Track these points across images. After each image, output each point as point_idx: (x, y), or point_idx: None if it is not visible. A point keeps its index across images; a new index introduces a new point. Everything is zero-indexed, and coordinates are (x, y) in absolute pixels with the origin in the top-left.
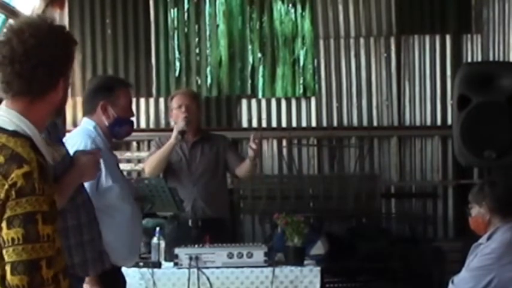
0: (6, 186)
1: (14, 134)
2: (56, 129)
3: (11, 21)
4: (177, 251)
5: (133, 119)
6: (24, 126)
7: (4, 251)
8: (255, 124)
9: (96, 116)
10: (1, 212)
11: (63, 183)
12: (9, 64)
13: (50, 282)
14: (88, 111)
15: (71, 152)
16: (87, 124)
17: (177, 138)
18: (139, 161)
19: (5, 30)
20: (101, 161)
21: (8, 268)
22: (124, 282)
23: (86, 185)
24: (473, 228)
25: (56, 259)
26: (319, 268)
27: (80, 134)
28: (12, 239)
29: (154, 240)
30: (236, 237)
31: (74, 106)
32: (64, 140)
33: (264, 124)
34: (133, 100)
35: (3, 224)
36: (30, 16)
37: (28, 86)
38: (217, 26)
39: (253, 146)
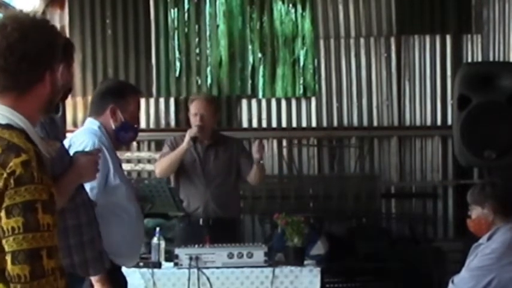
0: (5, 175)
1: (7, 126)
2: (53, 126)
3: None
4: (177, 251)
5: (138, 127)
6: (17, 119)
7: (4, 241)
8: (255, 124)
9: (103, 117)
10: (0, 202)
11: (62, 184)
12: None
13: (50, 273)
14: (95, 112)
15: (73, 152)
16: (91, 124)
17: (189, 143)
18: (139, 161)
19: None
20: (109, 159)
21: (8, 258)
22: (125, 282)
23: (95, 182)
24: (474, 231)
25: (56, 251)
26: (319, 268)
27: (86, 133)
28: (12, 228)
29: (154, 240)
30: (236, 237)
31: (74, 106)
32: (69, 139)
33: (264, 124)
34: None
35: (3, 214)
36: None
37: (14, 80)
38: (218, 26)
39: (257, 155)
